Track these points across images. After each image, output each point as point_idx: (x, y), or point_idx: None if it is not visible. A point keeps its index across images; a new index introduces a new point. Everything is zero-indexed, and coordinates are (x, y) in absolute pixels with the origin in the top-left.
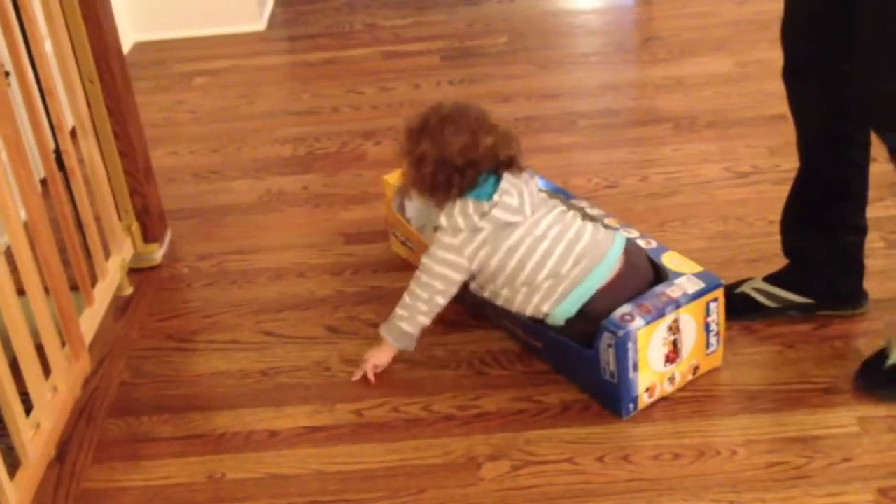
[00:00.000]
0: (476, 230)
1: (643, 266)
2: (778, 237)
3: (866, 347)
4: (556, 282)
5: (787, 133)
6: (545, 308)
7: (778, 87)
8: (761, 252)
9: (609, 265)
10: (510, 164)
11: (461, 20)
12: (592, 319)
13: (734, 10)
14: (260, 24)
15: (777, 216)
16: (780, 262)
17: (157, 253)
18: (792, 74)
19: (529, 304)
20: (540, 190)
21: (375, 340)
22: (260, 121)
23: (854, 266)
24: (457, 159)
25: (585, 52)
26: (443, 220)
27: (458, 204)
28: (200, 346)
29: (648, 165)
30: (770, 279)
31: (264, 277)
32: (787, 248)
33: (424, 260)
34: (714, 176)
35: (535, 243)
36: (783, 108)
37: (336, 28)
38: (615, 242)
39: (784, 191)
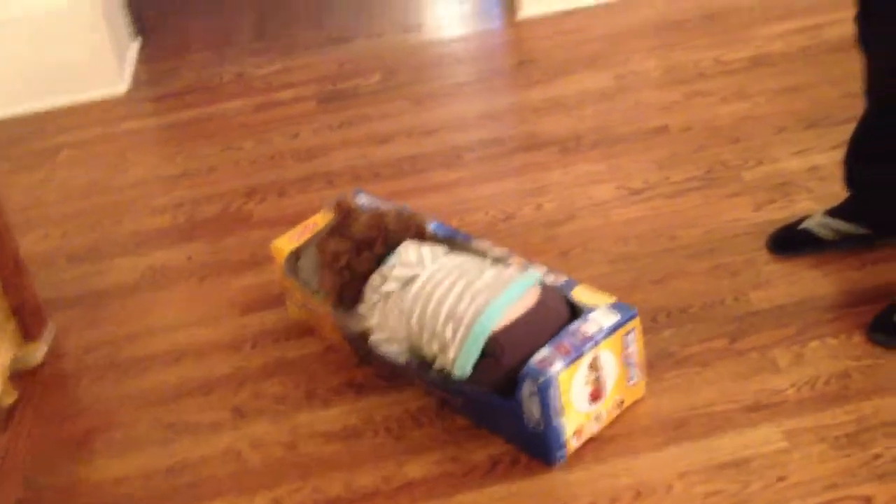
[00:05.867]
0: (386, 295)
1: (559, 307)
2: (678, 251)
3: (782, 356)
4: (456, 324)
5: (672, 145)
6: (451, 354)
7: (657, 96)
8: (665, 270)
9: (510, 297)
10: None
11: (331, 61)
12: (506, 363)
13: (605, 24)
14: (122, 86)
15: (675, 231)
16: (686, 278)
17: (39, 351)
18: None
19: (440, 357)
20: (440, 239)
21: (284, 417)
22: (134, 190)
23: None
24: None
25: (459, 81)
26: (363, 310)
27: (367, 287)
28: (97, 449)
29: (540, 193)
30: (831, 212)
31: (158, 363)
32: (851, 178)
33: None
34: (607, 196)
35: (434, 289)
36: (665, 118)
37: (204, 82)
38: (523, 276)
39: (678, 203)
